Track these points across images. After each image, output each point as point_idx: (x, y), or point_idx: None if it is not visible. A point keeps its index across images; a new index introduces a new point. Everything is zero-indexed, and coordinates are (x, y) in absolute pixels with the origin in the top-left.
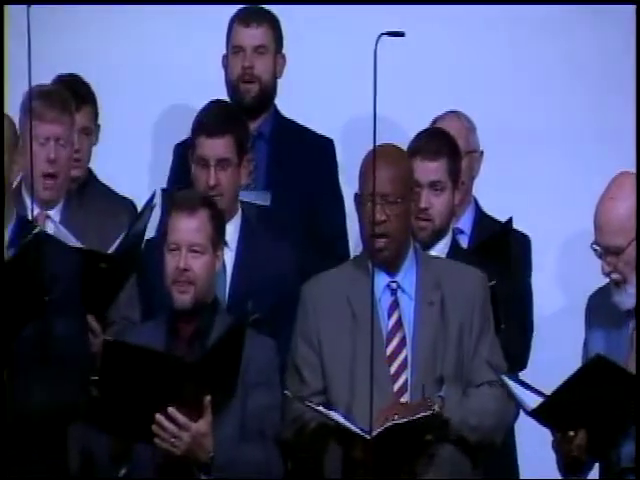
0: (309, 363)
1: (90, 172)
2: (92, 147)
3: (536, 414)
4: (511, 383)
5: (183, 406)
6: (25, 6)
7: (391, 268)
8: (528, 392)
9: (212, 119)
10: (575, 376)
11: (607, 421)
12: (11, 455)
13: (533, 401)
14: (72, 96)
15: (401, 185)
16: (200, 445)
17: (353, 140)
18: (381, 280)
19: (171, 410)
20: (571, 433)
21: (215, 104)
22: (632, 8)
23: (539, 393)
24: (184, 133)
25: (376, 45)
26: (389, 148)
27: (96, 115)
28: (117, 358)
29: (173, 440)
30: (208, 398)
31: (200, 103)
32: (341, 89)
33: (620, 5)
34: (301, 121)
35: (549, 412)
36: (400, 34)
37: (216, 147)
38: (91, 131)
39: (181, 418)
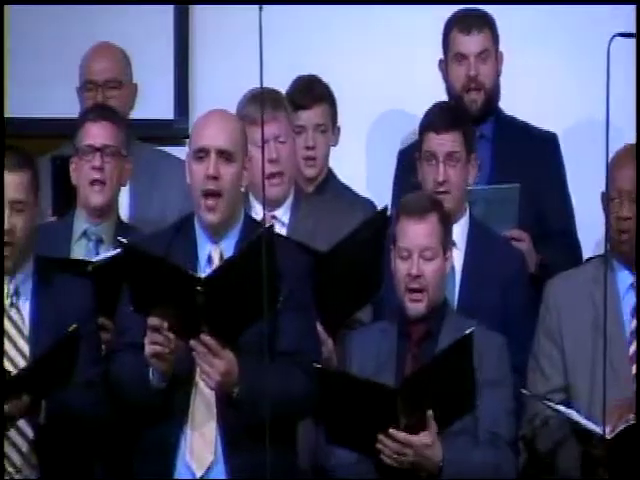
0: (551, 359)
1: (330, 173)
2: (329, 147)
3: None
4: None
5: (404, 423)
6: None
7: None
8: None
9: (439, 116)
10: None
11: None
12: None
13: None
14: (306, 94)
15: None
16: (426, 457)
17: (579, 140)
18: (625, 279)
19: (392, 431)
20: None
21: (441, 103)
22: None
23: None
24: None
25: (609, 46)
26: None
27: (334, 115)
28: (330, 382)
29: (396, 457)
30: (430, 412)
31: (414, 107)
32: (570, 90)
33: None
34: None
35: None
36: (632, 35)
37: (445, 142)
38: (327, 129)
39: (402, 437)
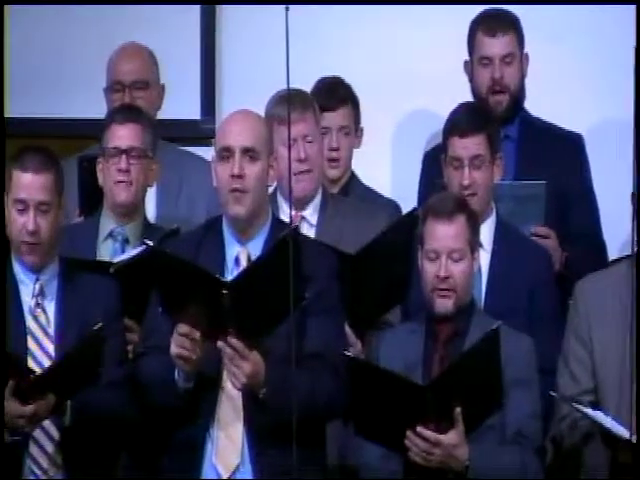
0: (580, 360)
1: (353, 175)
2: (353, 149)
3: None
4: None
5: (432, 421)
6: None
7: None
8: None
9: (464, 119)
10: None
11: None
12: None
13: None
14: (329, 97)
15: None
16: (453, 456)
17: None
18: None
19: (420, 429)
20: None
21: (465, 105)
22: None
23: None
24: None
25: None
26: None
27: (357, 117)
28: (360, 373)
29: (425, 456)
30: (458, 410)
31: (439, 108)
32: (595, 90)
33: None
34: (549, 118)
35: None
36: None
37: (470, 146)
38: (350, 131)
39: (431, 436)
